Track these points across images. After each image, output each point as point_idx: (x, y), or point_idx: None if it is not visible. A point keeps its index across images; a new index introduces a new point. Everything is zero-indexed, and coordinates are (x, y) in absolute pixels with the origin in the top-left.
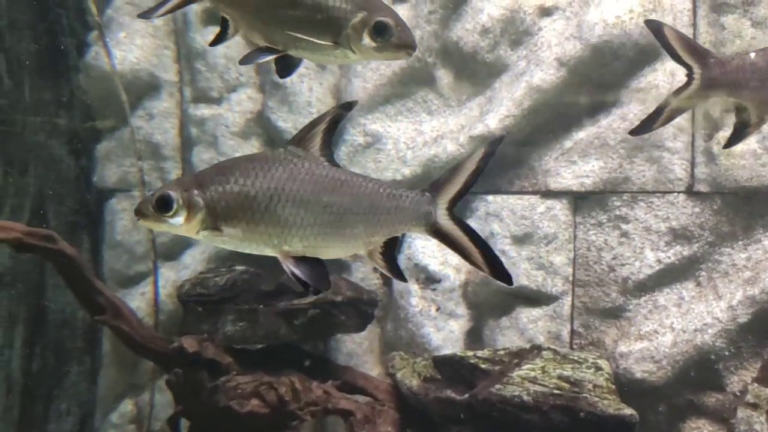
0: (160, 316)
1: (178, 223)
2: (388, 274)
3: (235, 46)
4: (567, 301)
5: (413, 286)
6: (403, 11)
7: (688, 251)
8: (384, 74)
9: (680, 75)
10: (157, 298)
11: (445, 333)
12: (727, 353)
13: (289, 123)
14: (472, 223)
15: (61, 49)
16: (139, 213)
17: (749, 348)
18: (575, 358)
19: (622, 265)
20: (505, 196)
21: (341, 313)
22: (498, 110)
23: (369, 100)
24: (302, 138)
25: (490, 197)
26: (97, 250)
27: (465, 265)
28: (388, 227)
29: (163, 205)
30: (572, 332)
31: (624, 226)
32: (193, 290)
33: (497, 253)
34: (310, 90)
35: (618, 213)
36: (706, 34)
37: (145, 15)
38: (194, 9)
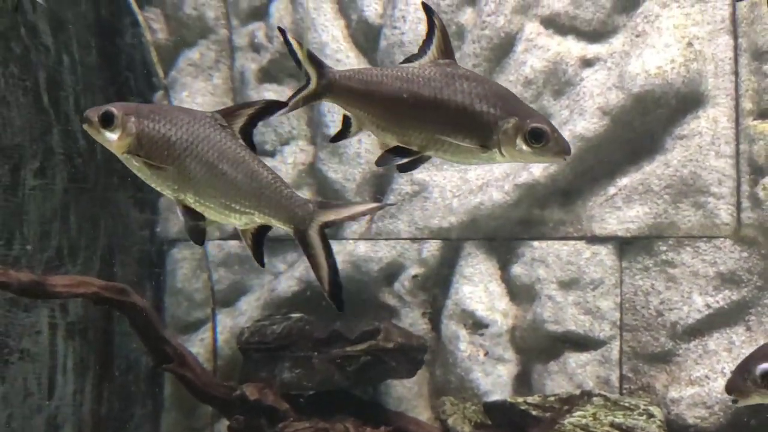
0: (218, 362)
1: (111, 139)
2: (251, 254)
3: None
4: (615, 345)
5: (461, 331)
6: None
7: (736, 296)
8: None
9: (723, 122)
10: (216, 344)
11: (494, 378)
12: None
13: (339, 174)
14: (518, 268)
15: None
16: (86, 119)
17: None
18: (626, 404)
19: (671, 309)
20: (550, 242)
21: (392, 360)
22: None
23: None
24: (230, 113)
25: (535, 243)
26: (159, 298)
27: (512, 310)
28: (264, 215)
29: (106, 120)
30: (621, 377)
31: (671, 271)
32: (252, 338)
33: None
34: (359, 142)
35: (664, 258)
36: (749, 81)
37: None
38: (251, 67)
